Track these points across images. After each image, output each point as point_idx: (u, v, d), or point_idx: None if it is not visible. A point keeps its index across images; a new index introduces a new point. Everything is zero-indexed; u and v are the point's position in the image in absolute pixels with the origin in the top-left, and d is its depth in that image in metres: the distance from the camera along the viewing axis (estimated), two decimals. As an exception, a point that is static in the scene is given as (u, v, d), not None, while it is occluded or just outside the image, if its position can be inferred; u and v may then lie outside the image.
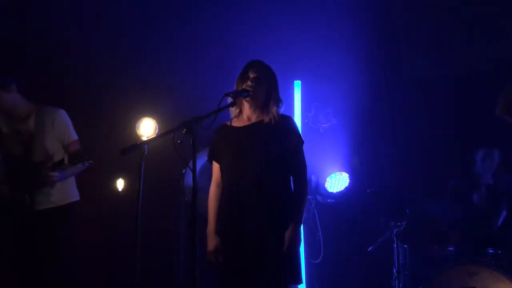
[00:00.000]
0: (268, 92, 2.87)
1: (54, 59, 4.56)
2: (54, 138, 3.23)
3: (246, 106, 2.89)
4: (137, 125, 3.86)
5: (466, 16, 4.54)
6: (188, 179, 4.08)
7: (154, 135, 3.76)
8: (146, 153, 2.53)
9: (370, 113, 4.65)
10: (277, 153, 2.79)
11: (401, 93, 4.67)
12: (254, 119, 2.88)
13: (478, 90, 4.35)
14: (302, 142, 2.89)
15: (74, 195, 3.36)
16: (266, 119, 2.83)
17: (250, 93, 2.81)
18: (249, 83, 2.82)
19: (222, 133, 2.93)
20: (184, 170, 4.01)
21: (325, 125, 4.81)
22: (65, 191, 3.30)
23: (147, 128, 3.83)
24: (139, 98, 4.38)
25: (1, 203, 3.21)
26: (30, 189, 3.15)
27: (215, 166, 2.94)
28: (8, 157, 3.22)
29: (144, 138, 3.67)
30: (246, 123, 2.89)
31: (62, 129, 3.25)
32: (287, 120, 2.91)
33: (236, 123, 2.91)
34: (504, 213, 3.54)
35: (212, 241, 2.82)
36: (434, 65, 4.71)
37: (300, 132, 2.92)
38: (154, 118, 3.92)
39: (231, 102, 2.77)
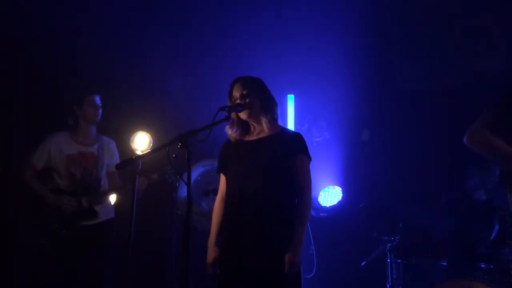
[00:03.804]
0: (263, 103, 2.89)
1: (46, 71, 4.55)
2: (106, 164, 3.74)
3: (250, 122, 2.91)
4: (131, 139, 3.86)
5: (458, 29, 4.60)
6: (181, 192, 4.06)
7: (149, 149, 3.77)
8: (140, 167, 2.54)
9: (363, 126, 4.67)
10: (283, 170, 2.79)
11: (394, 105, 4.70)
12: (262, 133, 2.89)
13: (470, 103, 4.39)
14: (309, 160, 2.89)
15: (113, 212, 3.80)
16: (271, 132, 2.86)
17: (244, 106, 2.83)
18: (238, 101, 2.85)
19: (231, 145, 2.94)
20: (177, 184, 4.00)
21: (318, 138, 4.83)
22: (110, 207, 3.76)
23: (141, 142, 3.83)
24: (133, 112, 4.38)
25: (60, 213, 3.55)
26: (94, 202, 3.61)
27: (222, 179, 2.95)
28: (71, 175, 3.64)
29: (139, 152, 3.69)
30: (255, 137, 2.90)
31: (115, 158, 3.78)
32: (296, 137, 2.92)
33: (247, 137, 2.92)
34: (497, 227, 3.55)
35: (211, 253, 2.83)
36: (426, 77, 4.75)
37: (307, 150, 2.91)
38: (148, 132, 3.91)
39: (225, 117, 2.79)
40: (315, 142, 4.82)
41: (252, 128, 2.92)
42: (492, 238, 3.58)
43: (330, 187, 4.76)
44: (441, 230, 3.84)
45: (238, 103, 2.85)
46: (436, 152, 4.46)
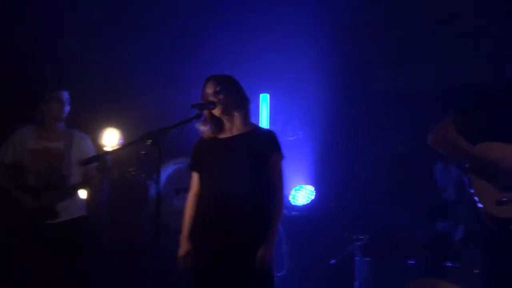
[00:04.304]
0: (236, 100, 2.90)
1: (15, 69, 4.46)
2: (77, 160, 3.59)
3: (223, 119, 2.91)
4: (100, 135, 3.80)
5: (431, 33, 4.68)
6: (152, 190, 4.04)
7: (118, 146, 3.72)
8: (109, 163, 2.51)
9: (336, 126, 4.71)
10: (257, 168, 2.81)
11: (367, 106, 4.76)
12: (235, 131, 2.90)
13: (442, 105, 4.47)
14: (282, 158, 2.92)
15: (84, 209, 3.69)
16: (245, 129, 2.87)
17: (216, 104, 2.83)
18: (211, 98, 2.85)
19: (205, 143, 2.94)
20: (149, 182, 3.97)
21: (291, 138, 4.87)
22: (80, 204, 3.66)
23: (110, 138, 3.78)
24: (102, 108, 4.32)
25: (24, 211, 3.45)
26: (55, 199, 3.47)
27: (195, 176, 2.95)
28: (36, 170, 3.53)
29: (108, 149, 3.64)
30: (229, 135, 2.91)
31: (87, 154, 3.55)
32: (270, 135, 2.94)
33: (220, 135, 2.93)
34: (462, 227, 3.63)
35: (183, 247, 2.84)
36: (400, 79, 4.81)
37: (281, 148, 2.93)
38: (118, 128, 3.86)
39: (197, 114, 2.79)
40: (288, 141, 4.85)
41: (225, 125, 2.92)
42: (458, 238, 3.65)
43: (303, 186, 4.80)
44: (410, 229, 3.90)
45: (210, 101, 2.85)
46: (407, 152, 4.53)
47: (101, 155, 2.57)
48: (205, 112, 2.89)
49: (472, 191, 2.41)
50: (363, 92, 4.83)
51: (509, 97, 2.50)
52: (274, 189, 2.84)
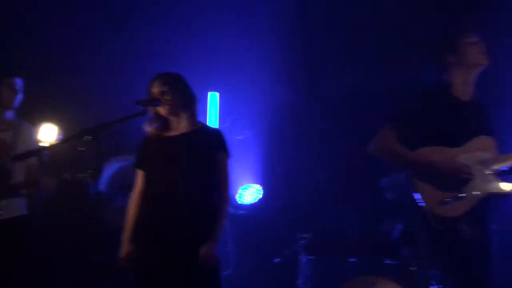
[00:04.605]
0: (183, 99, 2.87)
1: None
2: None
3: (170, 119, 2.87)
4: (37, 130, 3.63)
5: (383, 38, 4.80)
6: (94, 189, 3.93)
7: (55, 141, 3.57)
8: (45, 159, 2.41)
9: (283, 126, 4.76)
10: (204, 167, 2.80)
11: (313, 108, 4.83)
12: (182, 129, 2.87)
13: (390, 108, 4.58)
14: (229, 156, 2.91)
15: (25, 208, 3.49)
16: (191, 128, 2.85)
17: (162, 101, 2.80)
18: (158, 97, 2.82)
19: (151, 141, 2.90)
20: (88, 180, 3.85)
21: (239, 137, 4.88)
22: (21, 203, 3.43)
23: (47, 133, 3.61)
24: (39, 102, 4.15)
25: None
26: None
27: (140, 174, 2.90)
28: None
29: (44, 144, 3.47)
30: (175, 133, 2.88)
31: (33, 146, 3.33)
32: (216, 133, 2.94)
33: (166, 133, 2.89)
34: (400, 226, 3.75)
35: (125, 247, 2.79)
36: (348, 81, 4.91)
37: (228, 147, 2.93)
38: (55, 123, 3.71)
39: (141, 111, 2.75)
40: (236, 140, 4.86)
41: (171, 124, 2.89)
42: (397, 236, 3.78)
43: (250, 185, 4.83)
44: (352, 228, 3.99)
45: (156, 98, 2.82)
46: (352, 153, 4.63)
47: (36, 151, 2.47)
48: (152, 110, 2.86)
49: (416, 195, 2.43)
50: (311, 94, 4.90)
51: (445, 100, 2.55)
52: (220, 188, 2.83)
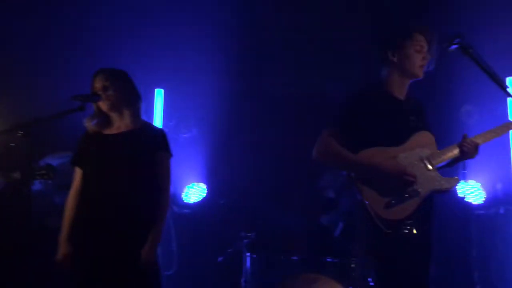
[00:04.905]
0: (126, 95, 2.81)
1: None
2: None
3: (111, 115, 2.81)
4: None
5: (324, 39, 4.88)
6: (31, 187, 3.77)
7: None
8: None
9: (229, 124, 4.75)
10: (144, 167, 2.74)
11: (260, 106, 4.85)
12: (123, 128, 2.80)
13: (328, 108, 4.68)
14: (170, 156, 2.87)
15: None
16: (133, 127, 2.79)
17: (102, 97, 2.72)
18: (99, 92, 2.75)
19: (90, 138, 2.81)
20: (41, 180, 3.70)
21: (185, 135, 4.83)
22: None
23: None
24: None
25: None
26: None
27: (78, 172, 2.82)
28: None
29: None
30: (115, 131, 2.81)
31: None
32: (158, 132, 2.89)
33: (107, 130, 2.82)
34: (341, 224, 3.83)
35: (62, 249, 2.70)
36: (291, 82, 4.96)
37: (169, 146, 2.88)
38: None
39: (79, 106, 2.65)
40: (182, 138, 4.81)
41: (113, 121, 2.82)
42: (337, 234, 3.86)
43: (195, 183, 4.79)
44: (295, 226, 4.04)
45: (95, 93, 2.75)
46: (297, 151, 4.69)
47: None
48: (94, 106, 2.79)
49: (360, 197, 2.38)
50: (256, 92, 4.91)
51: (381, 100, 2.51)
52: (161, 188, 2.79)
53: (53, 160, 3.86)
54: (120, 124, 2.81)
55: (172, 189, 4.61)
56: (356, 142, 2.46)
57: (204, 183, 4.79)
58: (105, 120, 2.81)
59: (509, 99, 2.19)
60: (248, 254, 3.81)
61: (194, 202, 4.75)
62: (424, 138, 2.52)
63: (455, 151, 2.49)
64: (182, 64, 4.68)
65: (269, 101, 4.85)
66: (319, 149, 2.50)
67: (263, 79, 4.99)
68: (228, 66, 4.67)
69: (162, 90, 4.86)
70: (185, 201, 4.74)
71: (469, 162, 2.59)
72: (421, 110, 2.64)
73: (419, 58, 2.49)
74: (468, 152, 2.49)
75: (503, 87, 2.06)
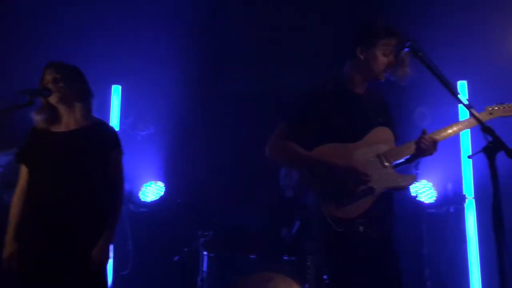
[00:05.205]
0: (77, 91, 2.74)
1: None
2: None
3: (59, 110, 2.73)
4: None
5: (275, 39, 4.92)
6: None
7: None
8: None
9: (188, 123, 4.71)
10: (94, 166, 2.69)
11: (219, 105, 4.83)
12: (72, 125, 2.73)
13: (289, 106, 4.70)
14: (122, 154, 2.82)
15: None
16: (83, 123, 2.72)
17: (53, 92, 2.64)
18: (50, 85, 2.67)
19: (37, 134, 2.73)
20: None
21: (143, 132, 4.76)
22: None
23: None
24: None
25: None
26: None
27: (24, 169, 2.74)
28: None
29: None
30: (64, 129, 2.73)
31: None
32: (109, 130, 2.83)
33: (54, 127, 2.73)
34: (297, 223, 3.87)
35: (8, 248, 2.63)
36: (254, 81, 4.97)
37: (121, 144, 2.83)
38: None
39: (27, 102, 2.56)
40: (139, 135, 4.74)
41: (62, 117, 2.75)
42: (293, 233, 3.89)
43: (153, 182, 4.73)
44: (253, 225, 4.04)
45: (45, 87, 2.67)
46: (253, 151, 4.70)
47: None
48: (42, 99, 2.70)
49: (313, 195, 2.35)
50: (218, 91, 4.89)
51: (340, 94, 2.46)
52: (113, 187, 2.75)
53: (2, 157, 3.73)
54: (69, 120, 2.74)
55: (128, 187, 4.61)
56: (312, 138, 2.40)
57: (162, 181, 4.73)
58: (53, 114, 2.73)
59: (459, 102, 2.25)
60: (205, 253, 3.79)
61: (151, 201, 4.69)
62: (382, 134, 2.47)
63: (413, 148, 2.44)
64: (140, 61, 4.60)
65: (228, 99, 4.84)
66: (272, 145, 2.44)
67: (222, 77, 4.97)
68: (187, 64, 4.64)
69: (120, 87, 4.78)
70: (142, 199, 4.67)
71: (421, 162, 2.60)
72: (383, 105, 2.60)
73: (385, 61, 2.44)
74: (426, 149, 2.43)
75: (452, 91, 2.11)
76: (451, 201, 4.53)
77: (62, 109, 2.73)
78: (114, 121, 4.64)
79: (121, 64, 4.60)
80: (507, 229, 1.90)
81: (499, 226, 1.87)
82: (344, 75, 2.54)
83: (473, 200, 4.44)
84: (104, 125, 2.86)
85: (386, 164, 2.41)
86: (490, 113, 2.55)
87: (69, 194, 2.61)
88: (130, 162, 4.43)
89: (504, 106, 2.57)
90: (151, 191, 4.71)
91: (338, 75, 2.55)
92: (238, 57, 4.94)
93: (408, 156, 2.47)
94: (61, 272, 2.56)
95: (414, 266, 4.31)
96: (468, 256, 4.38)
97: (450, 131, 2.51)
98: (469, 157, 4.29)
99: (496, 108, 2.57)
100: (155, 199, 4.70)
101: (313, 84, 2.56)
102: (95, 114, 2.88)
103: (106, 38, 4.53)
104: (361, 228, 2.33)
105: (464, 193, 4.47)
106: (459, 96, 2.14)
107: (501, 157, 1.97)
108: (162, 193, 4.72)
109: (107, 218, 2.69)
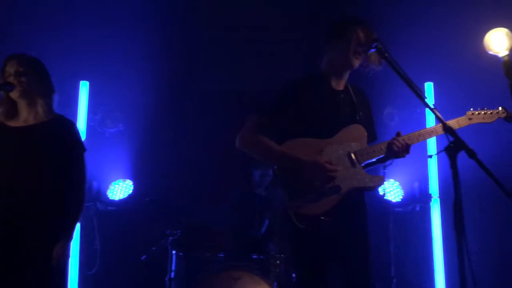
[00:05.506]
0: (40, 85, 2.68)
1: None
2: None
3: (19, 104, 2.65)
4: None
5: (257, 38, 4.92)
6: None
7: None
8: None
9: (157, 121, 4.66)
10: (54, 162, 2.63)
11: (188, 102, 4.80)
12: (31, 120, 2.66)
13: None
14: (84, 151, 2.76)
15: None
16: (43, 119, 2.65)
17: (15, 86, 2.58)
18: (11, 78, 2.59)
19: None
20: None
21: (111, 129, 4.68)
22: None
23: None
24: None
25: None
26: None
27: None
28: None
29: None
30: (22, 124, 2.65)
31: None
32: (69, 125, 2.76)
33: (12, 122, 2.65)
34: (267, 222, 3.88)
35: None
36: (227, 80, 4.95)
37: (83, 138, 2.79)
38: None
39: None
40: (107, 133, 4.67)
41: (21, 111, 2.67)
42: (262, 231, 3.89)
43: (121, 180, 4.66)
44: (223, 223, 4.03)
45: (8, 81, 2.60)
46: (223, 150, 4.69)
47: None
48: (2, 93, 2.64)
49: (280, 191, 2.30)
50: (184, 88, 4.86)
51: (315, 89, 2.42)
52: (74, 184, 2.69)
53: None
54: (28, 115, 2.67)
55: (96, 185, 4.53)
56: (284, 131, 2.37)
57: (130, 179, 4.67)
58: (12, 108, 2.66)
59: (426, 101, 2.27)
60: (173, 252, 3.76)
61: (119, 199, 4.62)
62: (355, 132, 2.43)
63: (384, 148, 2.41)
64: (109, 56, 4.53)
65: (198, 97, 4.82)
66: (242, 136, 2.39)
67: (191, 75, 4.95)
68: (157, 61, 4.59)
69: (87, 83, 4.68)
70: (110, 198, 4.60)
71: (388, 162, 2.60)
72: (364, 103, 2.56)
73: (357, 48, 2.39)
74: (398, 151, 2.39)
75: (416, 92, 2.14)
76: (417, 200, 4.62)
77: (22, 104, 2.67)
78: (82, 117, 4.55)
79: (89, 60, 4.53)
80: (469, 227, 1.94)
81: (459, 224, 1.91)
82: (322, 70, 2.50)
83: (438, 199, 4.54)
84: (64, 121, 2.78)
85: (356, 163, 2.37)
86: (470, 119, 2.55)
87: (25, 191, 2.55)
88: (98, 159, 4.41)
89: (485, 112, 2.56)
90: (120, 189, 4.64)
91: (315, 70, 2.52)
92: (209, 55, 4.92)
93: (379, 156, 2.44)
94: (20, 271, 2.51)
95: (380, 263, 4.38)
96: (433, 254, 4.48)
97: (424, 134, 2.48)
98: (429, 156, 4.34)
99: (477, 113, 2.55)
100: (123, 197, 4.63)
101: (288, 79, 2.52)
102: (62, 110, 2.83)
103: (74, 32, 4.44)
104: (325, 225, 2.28)
105: (429, 192, 4.57)
106: (423, 96, 2.16)
107: (464, 156, 2.01)
108: (131, 192, 4.66)
109: (66, 216, 2.63)
